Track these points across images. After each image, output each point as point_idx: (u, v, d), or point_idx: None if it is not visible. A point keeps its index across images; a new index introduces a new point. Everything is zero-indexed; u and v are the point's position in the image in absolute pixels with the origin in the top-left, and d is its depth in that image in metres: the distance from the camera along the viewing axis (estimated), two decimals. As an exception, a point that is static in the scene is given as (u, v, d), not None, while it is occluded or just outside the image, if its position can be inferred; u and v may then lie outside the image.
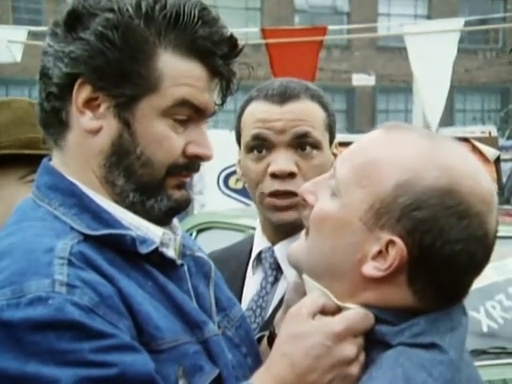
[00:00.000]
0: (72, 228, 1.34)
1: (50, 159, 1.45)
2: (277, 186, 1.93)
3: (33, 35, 9.86)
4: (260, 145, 1.95)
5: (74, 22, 1.36)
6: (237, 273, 2.07)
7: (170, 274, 1.40)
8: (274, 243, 2.02)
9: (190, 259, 1.49)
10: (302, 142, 1.94)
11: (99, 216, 1.36)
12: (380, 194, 1.28)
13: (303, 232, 1.40)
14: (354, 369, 1.28)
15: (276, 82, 2.02)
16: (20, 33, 9.10)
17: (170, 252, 1.42)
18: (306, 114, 1.96)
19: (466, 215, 1.26)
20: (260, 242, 2.06)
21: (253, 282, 2.05)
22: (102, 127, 1.37)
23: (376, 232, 1.28)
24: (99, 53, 1.34)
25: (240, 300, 2.01)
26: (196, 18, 1.36)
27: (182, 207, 1.44)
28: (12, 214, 1.42)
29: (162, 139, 1.38)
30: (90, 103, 1.37)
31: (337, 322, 1.28)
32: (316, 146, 1.95)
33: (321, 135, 1.96)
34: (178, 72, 1.37)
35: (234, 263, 2.10)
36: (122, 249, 1.35)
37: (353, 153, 1.35)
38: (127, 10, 1.34)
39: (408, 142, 1.31)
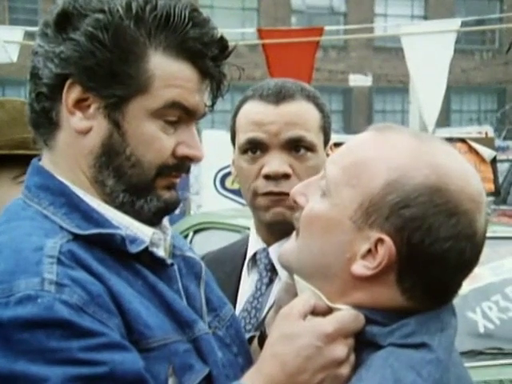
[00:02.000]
0: (61, 227, 1.34)
1: (40, 159, 1.45)
2: (271, 187, 1.93)
3: (29, 35, 9.83)
4: (254, 147, 1.95)
5: (64, 22, 1.36)
6: (232, 274, 2.07)
7: (160, 273, 1.40)
8: (268, 244, 2.02)
9: (180, 259, 1.49)
10: (296, 145, 1.94)
11: (89, 215, 1.36)
12: (369, 192, 1.28)
13: (294, 233, 1.40)
14: (345, 369, 1.28)
15: (271, 81, 2.02)
16: (16, 33, 9.08)
17: (160, 252, 1.42)
18: (301, 115, 1.96)
19: (455, 213, 1.27)
20: (255, 244, 2.06)
21: (248, 283, 2.05)
22: (92, 127, 1.37)
23: (365, 231, 1.29)
24: (89, 53, 1.34)
25: (235, 301, 2.01)
26: (186, 20, 1.36)
27: (170, 208, 1.44)
28: (1, 215, 1.42)
29: (152, 140, 1.38)
30: (79, 104, 1.37)
31: (328, 323, 1.28)
32: (310, 148, 1.95)
33: (315, 137, 1.96)
34: (168, 73, 1.37)
35: (229, 264, 2.10)
36: (111, 248, 1.35)
37: (343, 154, 1.36)
38: (117, 10, 1.34)
39: (397, 141, 1.32)
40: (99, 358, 1.23)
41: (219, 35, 1.40)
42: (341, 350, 1.27)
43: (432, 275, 1.29)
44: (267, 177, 1.93)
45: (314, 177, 1.41)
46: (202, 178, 9.88)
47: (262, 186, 1.94)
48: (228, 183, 9.98)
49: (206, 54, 1.39)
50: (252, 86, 2.03)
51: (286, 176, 1.92)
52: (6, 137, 2.01)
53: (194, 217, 6.46)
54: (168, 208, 1.44)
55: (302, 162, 1.94)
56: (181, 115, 1.40)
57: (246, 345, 1.55)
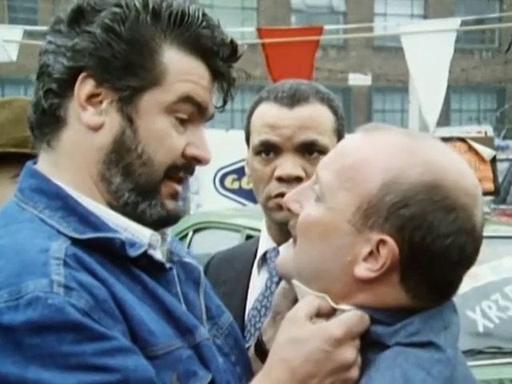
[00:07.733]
0: (59, 232, 1.31)
1: (35, 162, 1.42)
2: (283, 188, 1.93)
3: (28, 34, 9.84)
4: (268, 149, 1.97)
5: (77, 17, 1.36)
6: (242, 273, 2.09)
7: (159, 277, 1.38)
8: (279, 244, 2.02)
9: (177, 266, 1.46)
10: (309, 149, 1.95)
11: (86, 219, 1.33)
12: (367, 194, 1.28)
13: (290, 241, 1.39)
14: (354, 372, 1.26)
15: (286, 83, 2.03)
16: (16, 32, 9.07)
17: (158, 254, 1.40)
18: (315, 119, 1.96)
19: (453, 208, 1.27)
20: (265, 243, 2.07)
21: (258, 281, 2.06)
22: (104, 123, 1.36)
23: (365, 233, 1.28)
24: (105, 45, 1.33)
25: (245, 299, 2.03)
26: (200, 20, 1.38)
27: (172, 219, 1.42)
28: None
29: (164, 137, 1.37)
30: (91, 99, 1.36)
31: (335, 327, 1.26)
32: (323, 151, 1.95)
33: (328, 140, 1.97)
34: (182, 68, 1.37)
35: (240, 263, 2.12)
36: (110, 252, 1.32)
37: (334, 157, 1.35)
38: (134, 5, 1.35)
39: (387, 141, 1.32)
40: (113, 363, 1.20)
41: (229, 39, 1.41)
42: (350, 353, 1.26)
43: (435, 272, 1.28)
44: (280, 179, 1.94)
45: (305, 183, 1.40)
46: (201, 177, 9.87)
47: (275, 188, 1.95)
48: (227, 183, 9.98)
49: (218, 53, 1.39)
50: (267, 87, 2.04)
51: (299, 179, 1.93)
52: (8, 135, 2.00)
53: (194, 216, 6.45)
54: (169, 219, 1.41)
55: (315, 165, 1.94)
56: (192, 112, 1.39)
57: (244, 353, 1.52)
